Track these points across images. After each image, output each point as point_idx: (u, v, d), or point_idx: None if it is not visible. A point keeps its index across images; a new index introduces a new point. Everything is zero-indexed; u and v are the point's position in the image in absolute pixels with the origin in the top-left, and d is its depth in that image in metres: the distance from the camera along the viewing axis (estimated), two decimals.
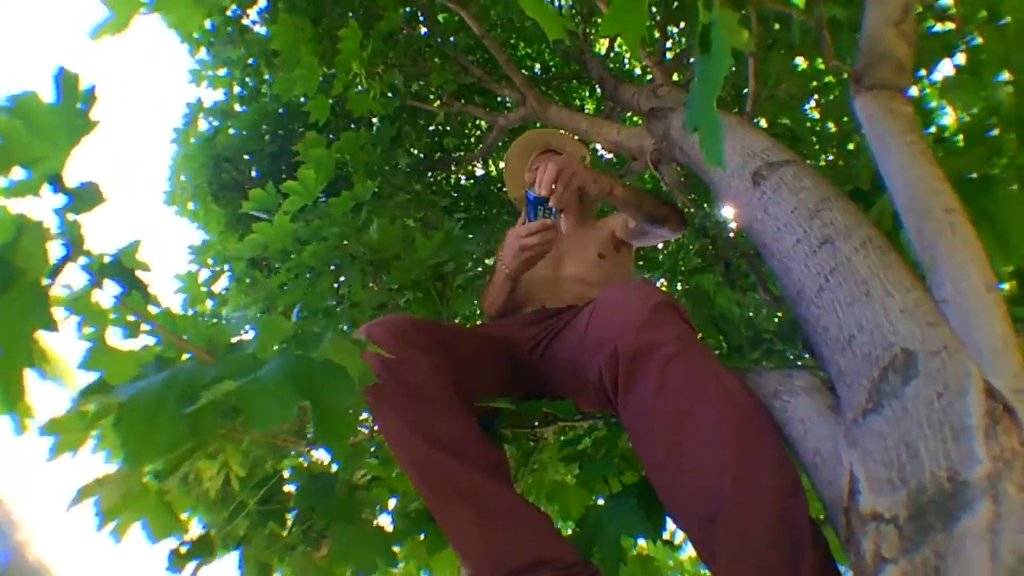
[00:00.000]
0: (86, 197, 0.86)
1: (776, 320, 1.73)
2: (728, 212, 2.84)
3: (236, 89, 3.19)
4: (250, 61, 3.00)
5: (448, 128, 3.18)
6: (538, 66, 3.99)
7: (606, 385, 1.05)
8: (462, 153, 3.47)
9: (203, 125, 3.17)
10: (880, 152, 1.03)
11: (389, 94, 2.33)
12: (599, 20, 3.43)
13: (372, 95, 2.18)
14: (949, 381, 0.77)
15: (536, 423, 1.40)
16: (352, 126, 2.65)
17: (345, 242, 1.82)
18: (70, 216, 0.91)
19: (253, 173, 3.16)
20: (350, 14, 2.47)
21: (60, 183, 0.86)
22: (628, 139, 1.65)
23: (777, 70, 1.79)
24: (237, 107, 3.15)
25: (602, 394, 1.08)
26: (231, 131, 3.00)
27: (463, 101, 2.66)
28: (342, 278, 1.98)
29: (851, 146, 2.42)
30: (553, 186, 1.29)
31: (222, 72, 3.08)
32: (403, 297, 1.84)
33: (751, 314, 2.03)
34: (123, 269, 0.98)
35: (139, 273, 1.04)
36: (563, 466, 1.53)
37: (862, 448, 0.82)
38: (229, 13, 2.88)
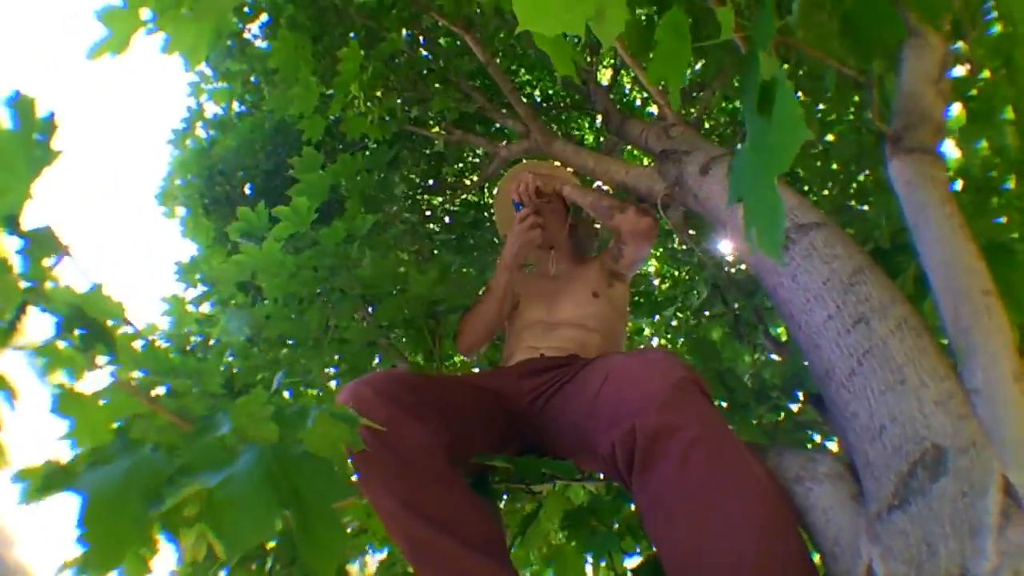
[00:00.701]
0: (42, 243, 0.79)
1: (780, 371, 1.67)
2: (730, 249, 2.80)
3: (235, 105, 3.12)
4: (252, 79, 2.93)
5: (446, 153, 3.10)
6: (538, 93, 3.95)
7: (619, 462, 0.97)
8: (457, 178, 3.40)
9: (201, 133, 3.09)
10: (917, 223, 0.97)
11: (387, 118, 2.26)
12: (603, 51, 3.40)
13: (370, 119, 2.11)
14: (975, 480, 0.76)
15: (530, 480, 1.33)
16: (349, 147, 2.57)
17: (335, 275, 1.74)
18: (35, 257, 0.83)
19: (247, 189, 3.08)
20: (351, 34, 2.40)
21: (15, 226, 0.78)
22: (637, 180, 1.58)
23: None
24: (235, 120, 3.06)
25: (612, 467, 1.01)
26: (229, 143, 2.91)
27: (463, 130, 2.59)
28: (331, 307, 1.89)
29: (854, 186, 2.39)
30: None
31: (222, 84, 3.01)
32: (393, 334, 1.77)
33: (754, 359, 1.98)
34: (86, 318, 0.90)
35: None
36: (562, 531, 1.45)
37: (884, 545, 0.80)
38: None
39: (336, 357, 1.83)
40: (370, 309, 1.82)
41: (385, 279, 1.70)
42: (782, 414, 1.61)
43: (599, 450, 1.02)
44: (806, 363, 1.01)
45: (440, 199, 3.36)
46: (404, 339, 1.91)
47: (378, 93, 2.14)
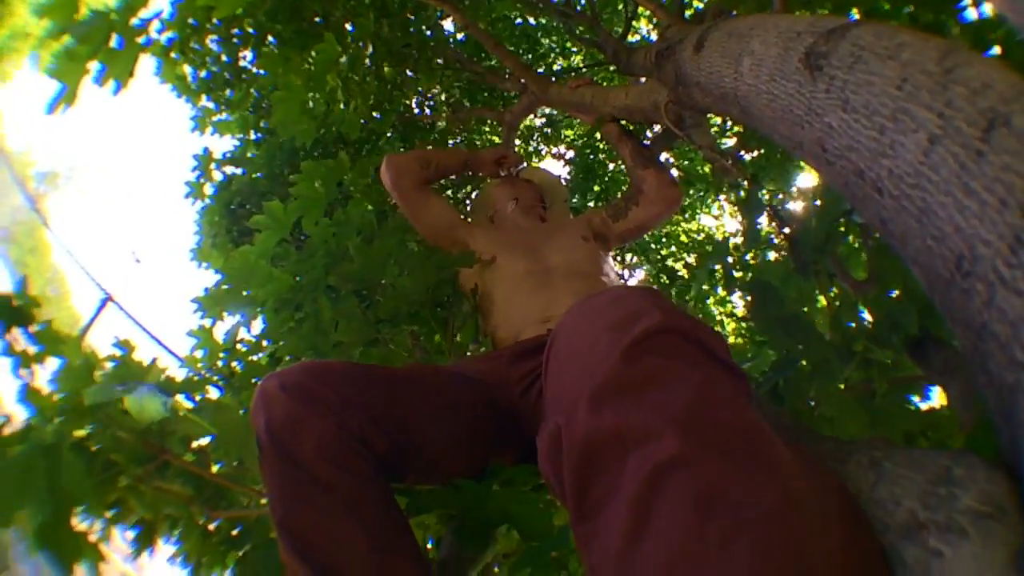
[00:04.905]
0: None
1: (869, 307, 1.25)
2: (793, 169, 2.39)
3: (248, 134, 3.05)
4: (254, 95, 2.85)
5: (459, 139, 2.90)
6: (562, 61, 3.80)
7: (553, 489, 0.55)
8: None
9: (216, 175, 3.03)
10: None
11: (385, 104, 2.07)
12: None
13: (354, 108, 1.91)
14: None
15: None
16: (357, 146, 2.42)
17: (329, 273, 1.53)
18: None
19: None
20: (327, 32, 2.23)
21: None
22: (638, 99, 1.27)
23: None
24: (250, 147, 3.00)
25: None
26: (245, 175, 2.84)
27: (468, 104, 2.38)
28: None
29: None
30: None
31: (224, 116, 2.93)
32: (399, 331, 1.52)
33: (829, 299, 1.57)
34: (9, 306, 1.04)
35: None
36: None
37: None
38: (225, 59, 2.74)
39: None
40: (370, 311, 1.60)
41: (376, 270, 1.47)
42: (875, 371, 1.17)
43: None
44: (907, 267, 0.55)
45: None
46: (422, 336, 1.69)
47: (357, 77, 1.93)
